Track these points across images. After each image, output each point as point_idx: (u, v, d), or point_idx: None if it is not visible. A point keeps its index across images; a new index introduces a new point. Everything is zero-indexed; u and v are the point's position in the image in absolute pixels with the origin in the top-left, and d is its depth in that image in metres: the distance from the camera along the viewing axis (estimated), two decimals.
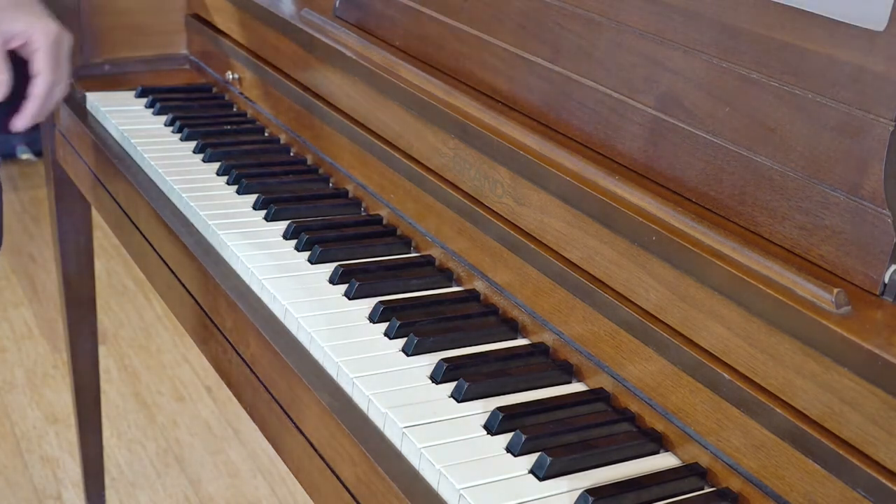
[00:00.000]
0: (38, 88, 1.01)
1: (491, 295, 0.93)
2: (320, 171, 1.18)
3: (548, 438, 0.76)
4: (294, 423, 0.86)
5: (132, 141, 1.23)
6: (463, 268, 0.96)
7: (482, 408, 0.79)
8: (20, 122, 1.01)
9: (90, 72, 1.39)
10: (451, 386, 0.81)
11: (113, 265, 2.79)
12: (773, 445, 0.68)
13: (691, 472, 0.74)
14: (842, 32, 0.71)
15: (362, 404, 0.80)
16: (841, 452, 0.64)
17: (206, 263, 1.00)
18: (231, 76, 1.34)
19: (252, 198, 1.10)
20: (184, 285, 1.07)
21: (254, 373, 0.93)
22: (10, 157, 3.26)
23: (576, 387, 0.84)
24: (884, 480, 0.62)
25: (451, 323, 0.89)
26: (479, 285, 0.95)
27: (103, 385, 1.83)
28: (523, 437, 0.74)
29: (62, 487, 2.00)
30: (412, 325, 0.88)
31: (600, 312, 0.81)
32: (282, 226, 1.05)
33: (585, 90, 0.89)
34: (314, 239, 1.01)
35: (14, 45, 1.02)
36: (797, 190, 0.73)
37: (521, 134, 0.91)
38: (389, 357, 0.85)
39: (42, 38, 1.00)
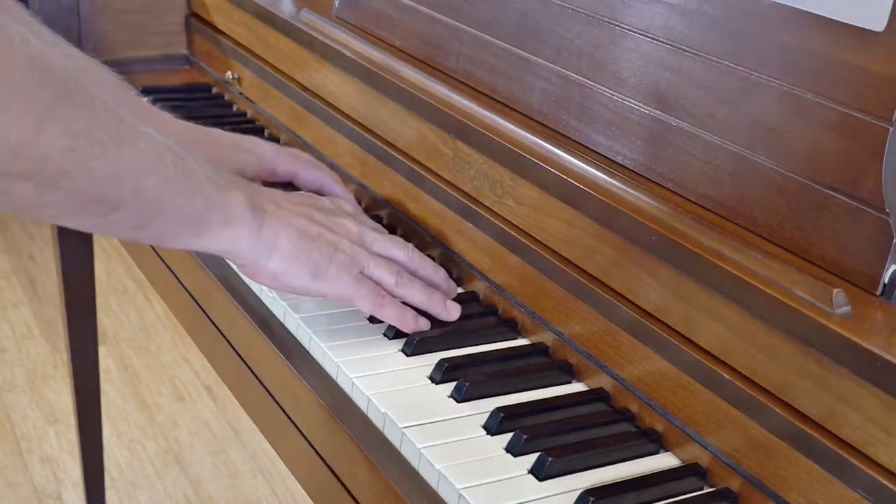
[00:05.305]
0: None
1: (491, 295, 0.93)
2: None
3: (547, 439, 0.76)
4: (293, 423, 0.86)
5: None
6: (463, 268, 0.96)
7: (482, 408, 0.79)
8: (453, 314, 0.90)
9: None
10: (450, 386, 0.81)
11: (113, 265, 2.80)
12: (773, 445, 0.68)
13: (691, 472, 0.74)
14: (842, 32, 0.71)
15: (362, 404, 0.80)
16: (841, 453, 0.64)
17: (207, 264, 1.00)
18: (231, 76, 1.34)
19: None
20: (183, 286, 1.07)
21: (253, 373, 0.93)
22: None
23: (575, 387, 0.84)
24: (884, 481, 0.62)
25: (450, 323, 0.89)
26: (478, 285, 0.95)
27: (103, 385, 1.83)
28: (523, 438, 0.74)
29: (62, 487, 2.00)
30: None
31: (600, 312, 0.81)
32: None
33: (585, 90, 0.89)
34: None
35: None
36: (797, 190, 0.73)
37: (521, 134, 0.91)
38: (389, 357, 0.85)
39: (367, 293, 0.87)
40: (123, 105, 0.98)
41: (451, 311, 0.90)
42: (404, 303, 0.88)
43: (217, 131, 1.05)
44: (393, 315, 0.86)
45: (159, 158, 0.75)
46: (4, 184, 0.66)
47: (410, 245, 0.92)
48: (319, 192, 1.03)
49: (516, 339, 0.90)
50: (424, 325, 0.88)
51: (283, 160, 1.03)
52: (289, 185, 1.04)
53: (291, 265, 0.83)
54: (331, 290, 0.85)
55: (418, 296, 0.88)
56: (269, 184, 1.01)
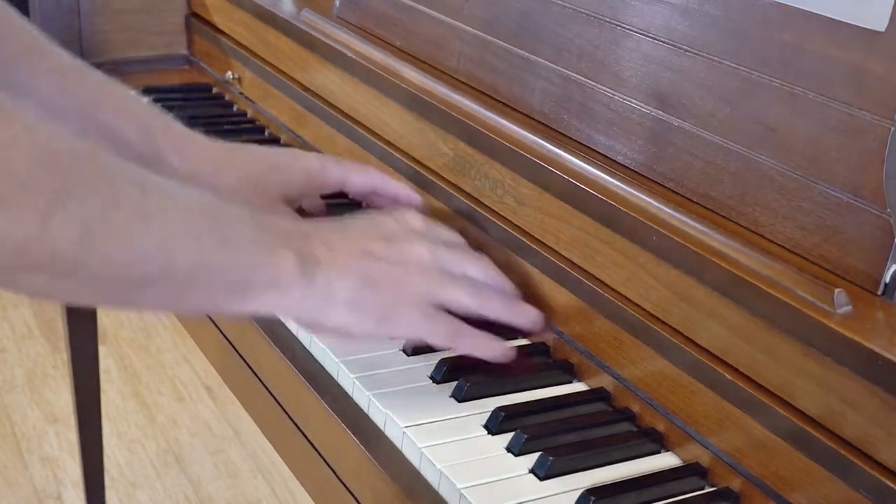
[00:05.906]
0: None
1: None
2: None
3: (548, 438, 0.76)
4: (294, 423, 0.86)
5: None
6: None
7: (483, 408, 0.79)
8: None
9: None
10: (451, 386, 0.81)
11: None
12: (774, 445, 0.68)
13: (692, 472, 0.74)
14: (842, 32, 0.71)
15: (363, 404, 0.80)
16: (842, 452, 0.64)
17: None
18: (231, 76, 1.34)
19: None
20: None
21: (255, 373, 0.93)
22: None
23: (576, 386, 0.84)
24: (885, 480, 0.62)
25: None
26: None
27: (103, 385, 1.83)
28: (524, 437, 0.74)
29: (62, 487, 2.00)
30: None
31: (601, 312, 0.81)
32: None
33: (586, 90, 0.90)
34: None
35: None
36: (798, 190, 0.73)
37: (521, 134, 0.91)
38: (389, 357, 0.85)
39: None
40: (157, 132, 0.90)
41: (532, 316, 0.83)
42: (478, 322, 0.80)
43: (257, 149, 0.96)
44: (474, 348, 0.78)
45: (192, 229, 0.67)
46: (10, 276, 0.61)
47: (485, 258, 0.84)
48: (372, 196, 0.96)
49: (517, 338, 0.90)
50: (510, 352, 0.80)
51: (330, 171, 0.95)
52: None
53: (355, 316, 0.73)
54: (400, 332, 0.77)
55: (501, 310, 0.80)
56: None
